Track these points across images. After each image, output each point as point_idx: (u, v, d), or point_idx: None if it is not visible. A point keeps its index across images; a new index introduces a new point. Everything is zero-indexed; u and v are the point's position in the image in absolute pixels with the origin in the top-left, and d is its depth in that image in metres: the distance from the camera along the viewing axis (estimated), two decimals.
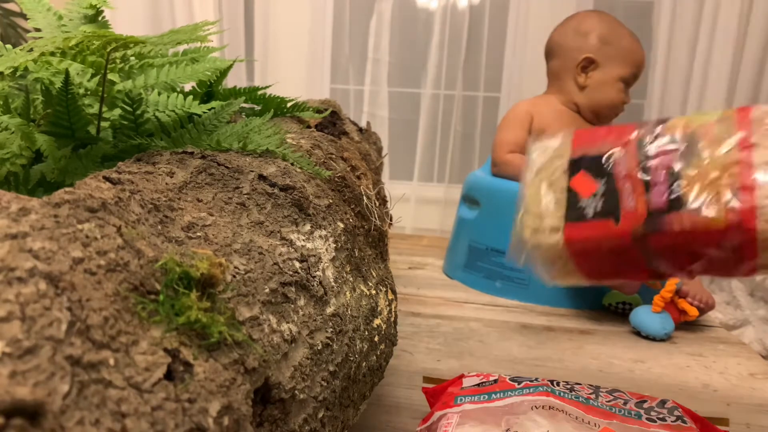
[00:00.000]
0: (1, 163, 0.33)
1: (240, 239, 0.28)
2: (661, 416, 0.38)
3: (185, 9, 1.76)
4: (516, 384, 0.42)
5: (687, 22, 1.53)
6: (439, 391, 0.44)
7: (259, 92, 0.54)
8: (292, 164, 0.38)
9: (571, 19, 0.98)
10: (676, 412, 0.38)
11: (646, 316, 0.71)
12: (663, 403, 0.40)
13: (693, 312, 0.71)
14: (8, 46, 0.38)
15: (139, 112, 0.38)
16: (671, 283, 0.70)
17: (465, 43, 1.78)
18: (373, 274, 0.41)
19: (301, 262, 0.31)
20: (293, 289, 0.29)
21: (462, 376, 0.45)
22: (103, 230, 0.21)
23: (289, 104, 0.55)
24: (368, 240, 0.43)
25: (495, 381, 0.42)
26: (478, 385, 0.42)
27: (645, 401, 0.40)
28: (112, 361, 0.18)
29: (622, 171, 0.34)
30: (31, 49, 0.30)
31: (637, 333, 0.72)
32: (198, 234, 0.27)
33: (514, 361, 0.63)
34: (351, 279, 0.36)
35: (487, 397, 0.40)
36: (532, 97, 1.03)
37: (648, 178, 0.33)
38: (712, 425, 0.39)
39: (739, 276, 0.34)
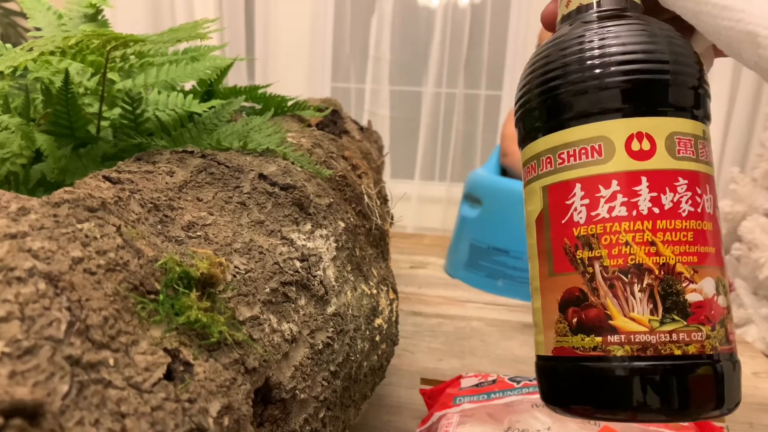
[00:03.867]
0: (1, 163, 0.33)
1: (240, 238, 0.28)
2: None
3: (185, 7, 1.76)
4: (515, 384, 0.41)
5: None
6: (437, 393, 0.44)
7: (260, 91, 0.53)
8: (293, 163, 0.37)
9: None
10: None
11: None
12: None
13: None
14: (8, 45, 0.38)
15: (139, 111, 0.38)
16: None
17: (466, 42, 1.77)
18: (375, 273, 0.41)
19: (301, 261, 0.31)
20: (294, 288, 0.29)
21: (460, 377, 0.45)
22: (103, 230, 0.21)
23: (289, 103, 0.55)
24: (369, 239, 0.43)
25: (494, 381, 0.42)
26: (476, 385, 0.42)
27: None
28: (111, 361, 0.18)
29: None
30: (31, 49, 0.30)
31: None
32: (198, 233, 0.27)
33: (516, 361, 0.63)
34: (352, 278, 0.36)
35: (486, 396, 0.40)
36: None
37: None
38: (709, 422, 0.39)
39: None
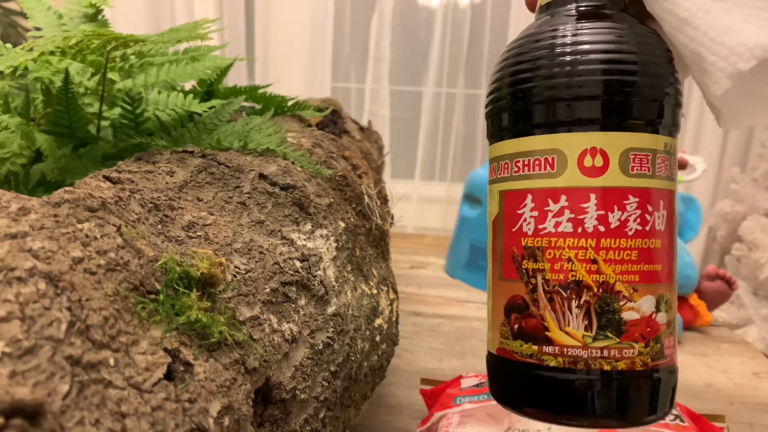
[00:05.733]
0: (2, 163, 0.33)
1: (240, 238, 0.28)
2: None
3: (185, 7, 1.76)
4: None
5: None
6: (437, 393, 0.44)
7: (260, 91, 0.53)
8: (293, 163, 0.37)
9: None
10: (674, 411, 0.38)
11: None
12: None
13: (708, 318, 0.71)
14: (8, 45, 0.38)
15: (139, 111, 0.38)
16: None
17: (467, 41, 1.77)
18: (375, 273, 0.41)
19: (302, 261, 0.31)
20: (294, 288, 0.29)
21: (460, 377, 0.45)
22: (103, 230, 0.21)
23: (289, 103, 0.55)
24: (369, 239, 0.43)
25: None
26: (476, 385, 0.42)
27: None
28: (112, 361, 0.18)
29: None
30: (31, 49, 0.30)
31: None
32: (198, 233, 0.27)
33: None
34: (352, 278, 0.36)
35: (486, 396, 0.40)
36: None
37: None
38: (709, 423, 0.39)
39: None
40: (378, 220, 0.45)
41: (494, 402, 0.39)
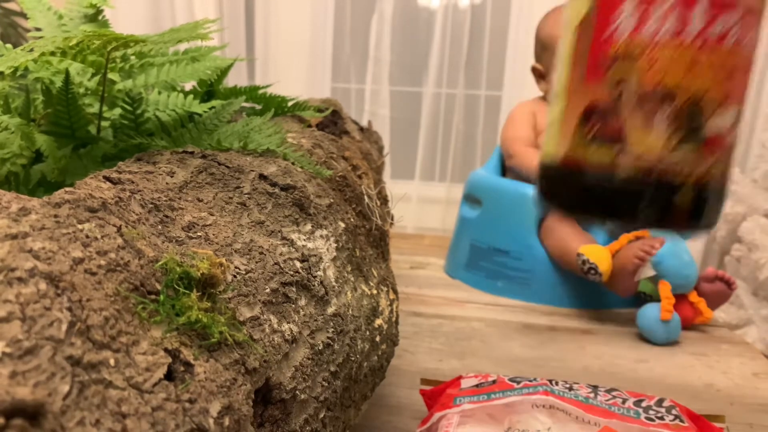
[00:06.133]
0: (2, 163, 0.33)
1: (241, 239, 0.28)
2: (659, 415, 0.38)
3: (186, 8, 1.76)
4: (515, 384, 0.41)
5: None
6: (437, 393, 0.44)
7: (260, 91, 0.54)
8: (293, 164, 0.37)
9: (559, 10, 0.96)
10: (674, 411, 0.38)
11: (653, 322, 0.70)
12: (660, 402, 0.40)
13: (708, 314, 0.71)
14: (8, 45, 0.38)
15: (139, 111, 0.38)
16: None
17: (467, 42, 1.77)
18: (375, 273, 0.41)
19: (302, 261, 0.31)
20: (294, 289, 0.29)
21: (460, 377, 0.45)
22: (104, 230, 0.21)
23: (290, 103, 0.55)
24: (369, 239, 0.43)
25: (494, 381, 0.42)
26: (476, 386, 0.42)
27: (643, 400, 0.40)
28: (112, 362, 0.18)
29: None
30: (32, 49, 0.30)
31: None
32: (198, 234, 0.27)
33: (516, 361, 0.63)
34: (352, 279, 0.36)
35: (486, 397, 0.40)
36: (533, 96, 1.03)
37: None
38: (709, 423, 0.39)
39: None
40: (378, 221, 0.45)
41: (494, 402, 0.39)
